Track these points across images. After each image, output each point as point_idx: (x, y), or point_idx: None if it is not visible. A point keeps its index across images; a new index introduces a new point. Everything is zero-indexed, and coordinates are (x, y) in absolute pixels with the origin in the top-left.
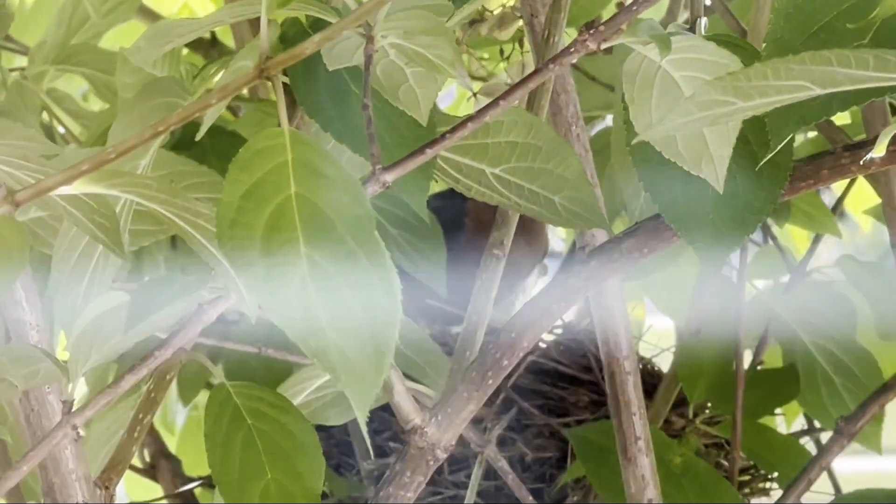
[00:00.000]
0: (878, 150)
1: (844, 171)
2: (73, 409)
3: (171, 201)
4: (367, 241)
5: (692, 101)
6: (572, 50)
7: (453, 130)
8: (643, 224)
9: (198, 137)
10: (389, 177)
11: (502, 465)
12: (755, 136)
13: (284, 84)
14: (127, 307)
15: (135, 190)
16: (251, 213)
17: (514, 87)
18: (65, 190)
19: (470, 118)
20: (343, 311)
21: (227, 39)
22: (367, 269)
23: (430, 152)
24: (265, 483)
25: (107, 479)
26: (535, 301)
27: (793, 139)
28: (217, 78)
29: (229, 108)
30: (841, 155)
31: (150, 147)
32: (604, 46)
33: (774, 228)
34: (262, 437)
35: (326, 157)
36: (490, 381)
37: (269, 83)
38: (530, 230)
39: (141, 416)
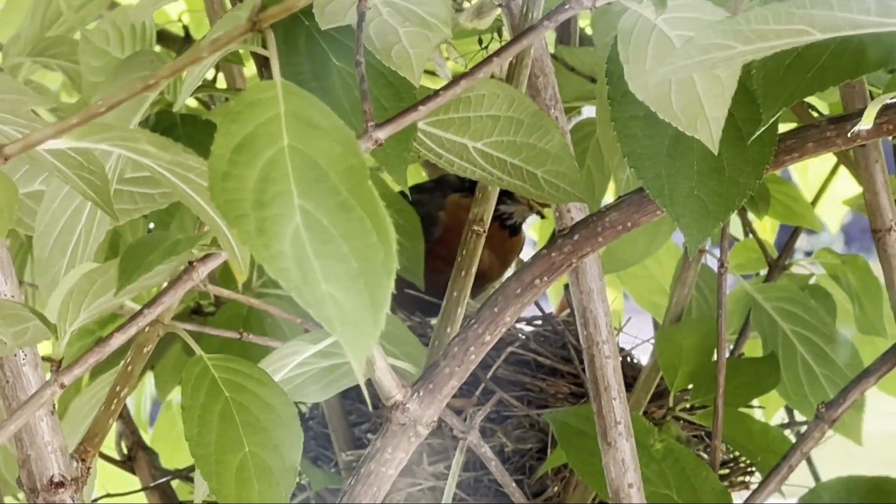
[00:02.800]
0: (867, 122)
1: (830, 143)
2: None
3: (161, 155)
4: (362, 191)
5: (692, 45)
6: (566, 7)
7: (447, 87)
8: (627, 198)
9: (178, 106)
10: (382, 133)
11: (485, 451)
12: (740, 110)
13: (265, 58)
14: (117, 266)
15: (125, 144)
16: (243, 165)
17: (511, 42)
18: (54, 144)
19: (464, 75)
20: (337, 261)
21: (199, 35)
22: (361, 218)
23: (423, 109)
24: (242, 456)
25: (83, 452)
26: (519, 275)
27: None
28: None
29: (201, 101)
30: (826, 128)
31: (140, 105)
32: (598, 4)
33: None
34: (239, 410)
35: (319, 109)
36: (473, 357)
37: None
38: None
39: (118, 388)
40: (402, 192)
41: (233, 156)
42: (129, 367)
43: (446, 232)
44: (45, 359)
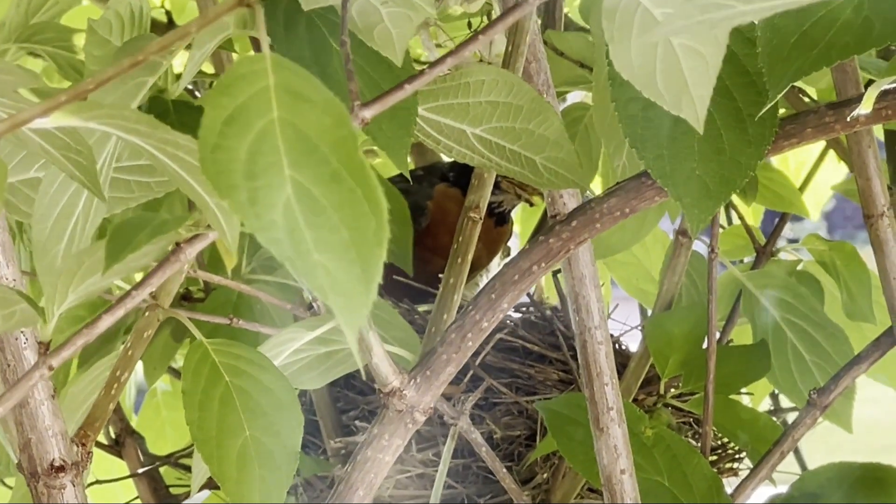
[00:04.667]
0: (866, 106)
1: (828, 129)
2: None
3: (151, 133)
4: (351, 161)
5: (692, 3)
6: None
7: (433, 65)
8: (625, 184)
9: (181, 88)
10: (368, 113)
11: (476, 437)
12: (740, 92)
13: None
14: (104, 247)
15: (114, 122)
16: (233, 137)
17: (500, 17)
18: (42, 123)
19: (449, 53)
20: (329, 231)
21: (182, 21)
22: (351, 188)
23: (408, 88)
24: (243, 440)
25: (83, 437)
26: (516, 262)
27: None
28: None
29: (188, 90)
30: (825, 113)
31: (138, 91)
32: None
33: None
34: (239, 394)
35: (309, 81)
36: (470, 343)
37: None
38: (489, 240)
39: (118, 373)
40: (390, 179)
41: (223, 128)
42: (130, 352)
43: (433, 222)
44: None
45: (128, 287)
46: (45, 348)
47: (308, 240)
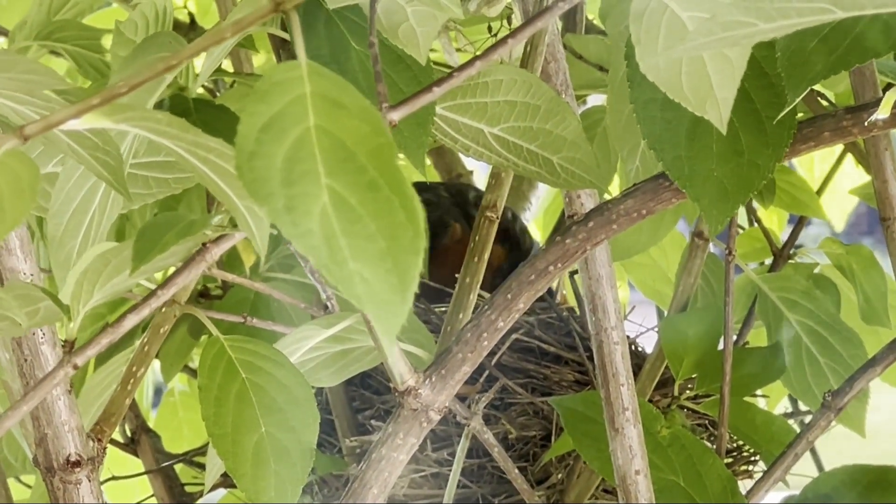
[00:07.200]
0: (884, 110)
1: (846, 133)
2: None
3: (182, 136)
4: (389, 170)
5: (715, 21)
6: None
7: (461, 69)
8: (642, 185)
9: (198, 86)
10: (396, 115)
11: (488, 437)
12: (759, 94)
13: (283, 39)
14: (132, 247)
15: (145, 124)
16: (270, 144)
17: (527, 22)
18: (73, 124)
19: (479, 56)
20: (365, 240)
21: (205, 22)
22: (388, 197)
23: (437, 90)
24: (259, 436)
25: (99, 432)
26: (533, 262)
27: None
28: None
29: (207, 88)
30: (842, 117)
31: (157, 87)
32: None
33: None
34: (255, 391)
35: (345, 89)
36: (485, 343)
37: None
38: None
39: (134, 368)
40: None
41: (259, 135)
42: (146, 348)
43: (445, 249)
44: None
45: (150, 286)
46: (70, 346)
47: (344, 248)
